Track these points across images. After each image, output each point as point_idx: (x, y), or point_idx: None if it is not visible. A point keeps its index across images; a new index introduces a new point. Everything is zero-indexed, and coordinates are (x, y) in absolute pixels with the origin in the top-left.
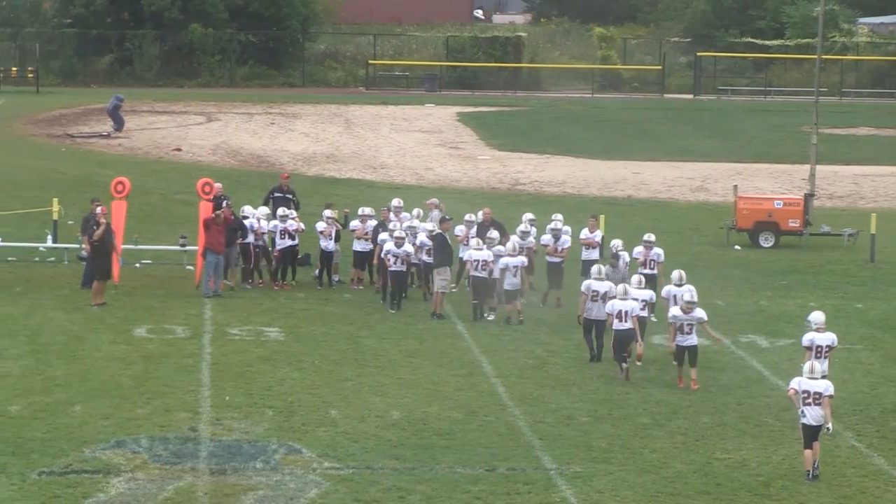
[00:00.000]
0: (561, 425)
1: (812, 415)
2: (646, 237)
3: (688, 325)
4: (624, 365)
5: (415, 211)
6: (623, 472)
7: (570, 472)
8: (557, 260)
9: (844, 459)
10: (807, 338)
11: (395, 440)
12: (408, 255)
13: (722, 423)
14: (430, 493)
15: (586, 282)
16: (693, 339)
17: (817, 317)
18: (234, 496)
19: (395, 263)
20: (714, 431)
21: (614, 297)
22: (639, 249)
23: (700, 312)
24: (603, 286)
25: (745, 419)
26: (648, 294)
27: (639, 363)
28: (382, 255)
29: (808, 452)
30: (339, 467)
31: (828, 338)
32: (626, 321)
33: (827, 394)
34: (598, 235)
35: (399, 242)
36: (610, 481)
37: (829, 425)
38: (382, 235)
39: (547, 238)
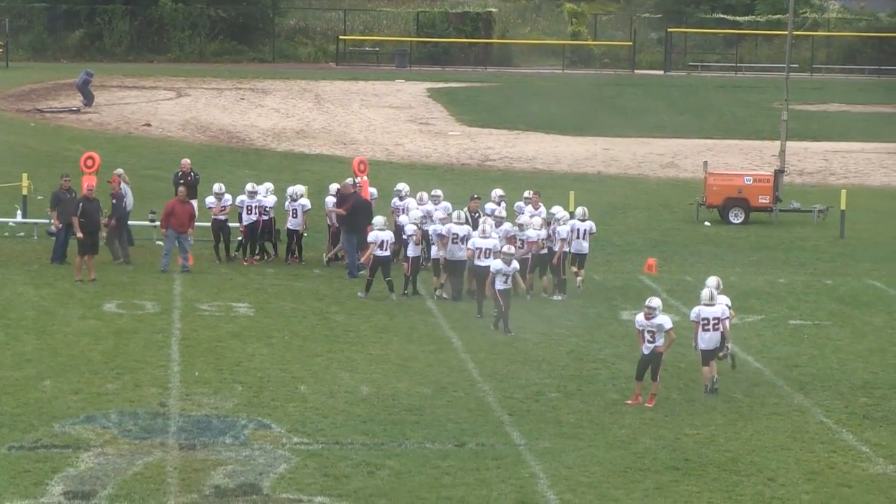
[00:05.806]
0: (530, 401)
1: (707, 339)
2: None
3: (648, 332)
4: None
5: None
6: (592, 447)
7: (540, 448)
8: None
9: (813, 435)
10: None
11: (364, 415)
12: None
13: (691, 399)
14: (399, 469)
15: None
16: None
17: (711, 282)
18: (203, 471)
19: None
20: (683, 407)
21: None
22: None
23: (662, 319)
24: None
25: (714, 395)
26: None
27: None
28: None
29: (705, 369)
30: (309, 442)
31: (716, 310)
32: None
33: (724, 317)
34: (542, 212)
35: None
36: (579, 457)
37: (729, 345)
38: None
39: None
